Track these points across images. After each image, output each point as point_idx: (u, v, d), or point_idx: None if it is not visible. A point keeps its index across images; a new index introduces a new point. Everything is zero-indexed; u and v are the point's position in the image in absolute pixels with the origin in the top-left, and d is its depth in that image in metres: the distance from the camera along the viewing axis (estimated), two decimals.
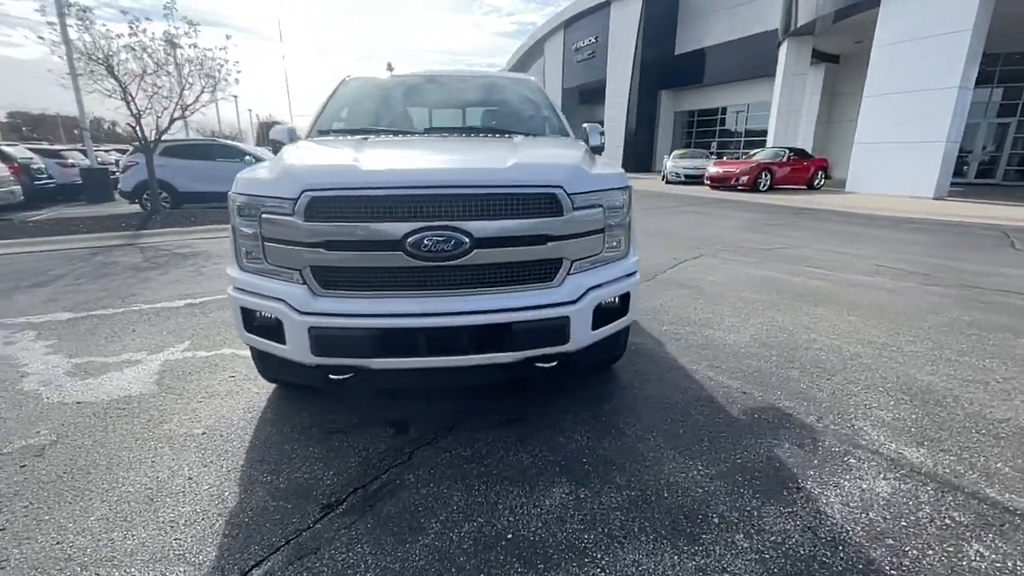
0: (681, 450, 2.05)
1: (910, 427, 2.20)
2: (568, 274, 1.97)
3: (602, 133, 3.46)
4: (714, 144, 28.32)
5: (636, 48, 28.79)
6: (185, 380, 2.75)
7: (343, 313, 1.83)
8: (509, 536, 1.59)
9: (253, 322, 2.00)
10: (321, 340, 1.83)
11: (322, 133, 2.98)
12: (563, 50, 36.89)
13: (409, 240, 1.77)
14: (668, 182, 18.56)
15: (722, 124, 28.52)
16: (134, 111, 8.57)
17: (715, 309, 3.88)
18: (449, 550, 1.54)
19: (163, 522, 1.68)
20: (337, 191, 1.78)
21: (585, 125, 3.39)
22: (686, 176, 17.73)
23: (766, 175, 14.51)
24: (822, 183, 15.60)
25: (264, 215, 1.87)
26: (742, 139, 26.79)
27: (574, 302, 1.94)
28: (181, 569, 1.49)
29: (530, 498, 1.77)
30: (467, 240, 1.79)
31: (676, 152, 20.10)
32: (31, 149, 13.59)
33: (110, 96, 8.71)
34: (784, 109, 18.39)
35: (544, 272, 1.93)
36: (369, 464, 1.98)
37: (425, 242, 1.77)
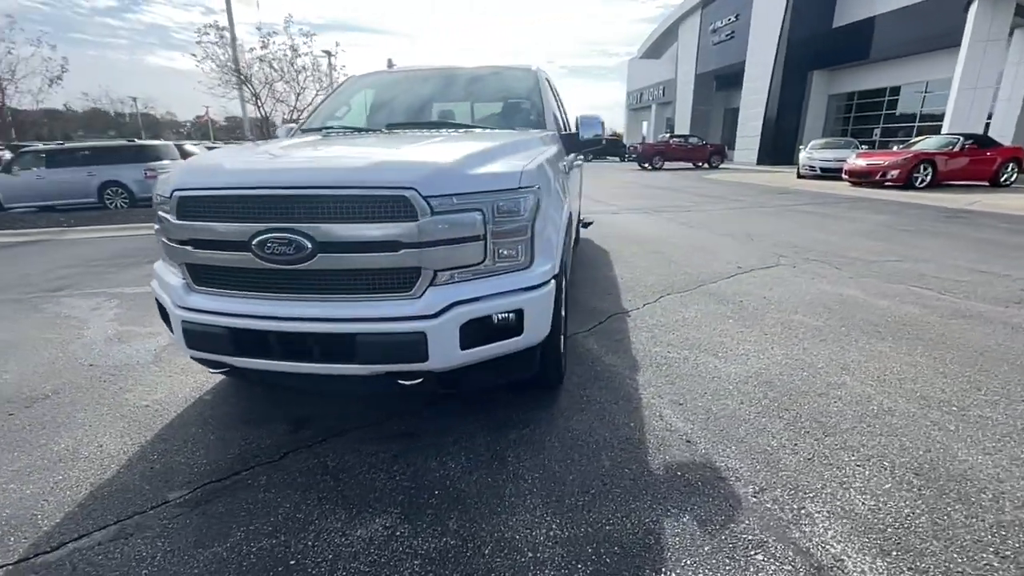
0: (552, 502, 1.73)
1: (888, 525, 1.59)
2: (431, 285, 1.78)
3: (602, 124, 3.10)
4: (877, 131, 23.94)
5: (784, 24, 25.41)
6: (177, 355, 3.09)
7: (206, 310, 1.87)
8: (291, 563, 1.50)
9: (163, 311, 2.15)
10: (189, 334, 1.90)
11: (305, 132, 3.10)
12: (699, 32, 34.07)
13: (254, 241, 1.74)
14: (800, 176, 16.11)
15: (890, 107, 23.91)
16: (262, 113, 9.94)
17: (739, 332, 3.25)
18: (228, 564, 1.50)
19: (49, 483, 1.89)
20: (197, 191, 1.82)
21: (577, 116, 3.05)
22: (823, 169, 15.14)
23: (925, 169, 11.74)
24: (1012, 179, 12.20)
25: (159, 212, 1.99)
26: (915, 125, 22.19)
27: (433, 316, 1.74)
28: (23, 530, 1.66)
29: (346, 524, 1.64)
30: (309, 244, 1.70)
31: (815, 142, 17.30)
32: (207, 147, 16.59)
33: (248, 102, 10.19)
34: (968, 85, 14.68)
35: (399, 281, 1.77)
36: (241, 459, 2.02)
37: (268, 244, 1.72)
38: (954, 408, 2.28)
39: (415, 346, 1.74)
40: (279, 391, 2.55)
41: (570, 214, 3.94)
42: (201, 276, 1.91)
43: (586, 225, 5.96)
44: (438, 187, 1.72)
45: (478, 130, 2.68)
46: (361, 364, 1.78)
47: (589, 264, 5.18)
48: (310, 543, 1.57)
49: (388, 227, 1.70)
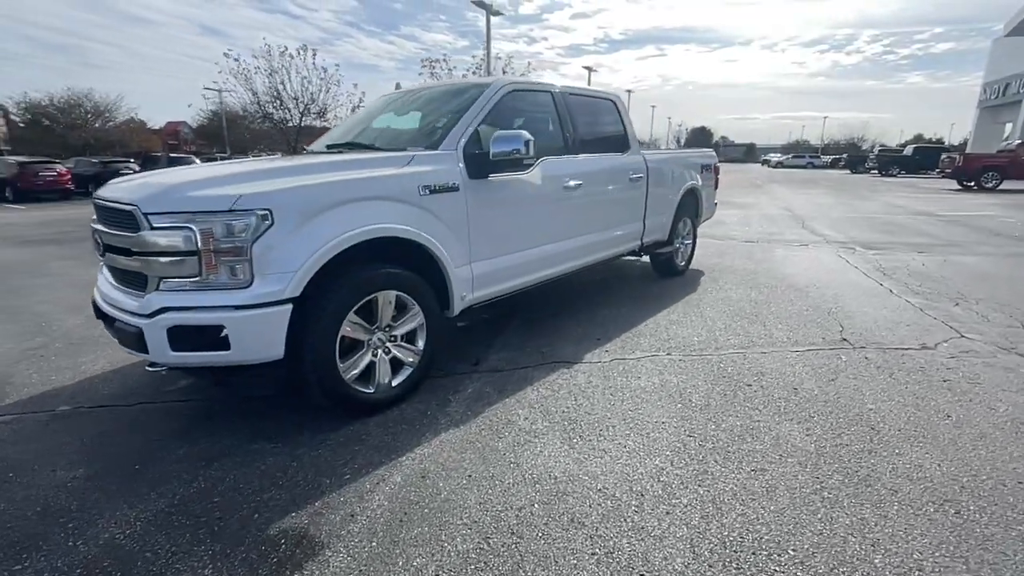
0: (153, 519, 1.80)
1: None
2: (157, 289, 2.04)
3: (528, 143, 2.76)
4: None
5: None
6: None
7: (97, 283, 2.59)
8: (9, 475, 2.01)
9: None
10: (92, 301, 2.66)
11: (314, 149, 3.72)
12: None
13: (95, 236, 2.34)
14: None
15: None
16: None
17: (659, 424, 2.37)
18: None
19: (45, 377, 2.92)
20: (95, 200, 2.52)
21: (498, 133, 2.76)
22: None
23: None
24: None
25: None
26: None
27: (147, 316, 2.02)
28: None
29: (63, 466, 2.08)
30: (102, 242, 2.21)
31: None
32: None
33: None
34: None
35: (138, 282, 2.11)
36: (122, 396, 2.68)
37: (94, 239, 2.31)
38: None
39: (138, 339, 2.05)
40: None
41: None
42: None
43: (639, 253, 4.76)
44: (155, 205, 1.98)
45: (365, 151, 2.81)
46: (123, 345, 2.19)
47: (640, 299, 4.40)
48: (32, 468, 2.06)
49: (122, 235, 2.07)
